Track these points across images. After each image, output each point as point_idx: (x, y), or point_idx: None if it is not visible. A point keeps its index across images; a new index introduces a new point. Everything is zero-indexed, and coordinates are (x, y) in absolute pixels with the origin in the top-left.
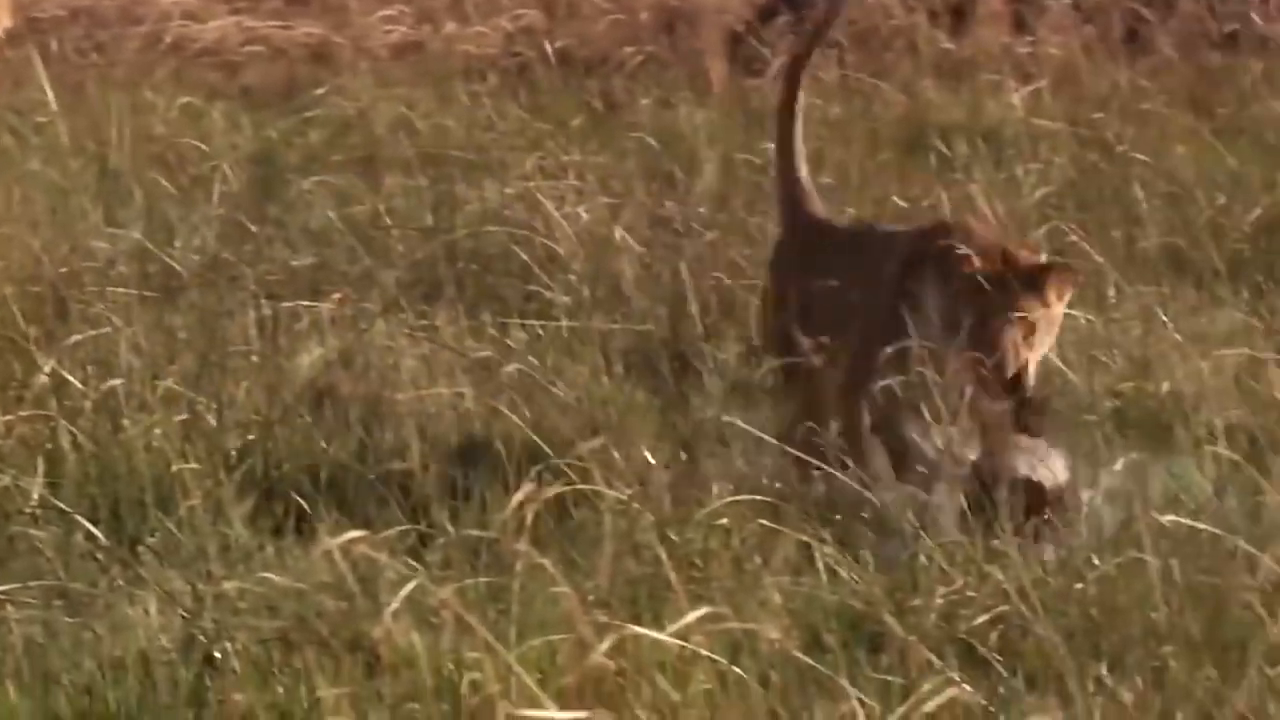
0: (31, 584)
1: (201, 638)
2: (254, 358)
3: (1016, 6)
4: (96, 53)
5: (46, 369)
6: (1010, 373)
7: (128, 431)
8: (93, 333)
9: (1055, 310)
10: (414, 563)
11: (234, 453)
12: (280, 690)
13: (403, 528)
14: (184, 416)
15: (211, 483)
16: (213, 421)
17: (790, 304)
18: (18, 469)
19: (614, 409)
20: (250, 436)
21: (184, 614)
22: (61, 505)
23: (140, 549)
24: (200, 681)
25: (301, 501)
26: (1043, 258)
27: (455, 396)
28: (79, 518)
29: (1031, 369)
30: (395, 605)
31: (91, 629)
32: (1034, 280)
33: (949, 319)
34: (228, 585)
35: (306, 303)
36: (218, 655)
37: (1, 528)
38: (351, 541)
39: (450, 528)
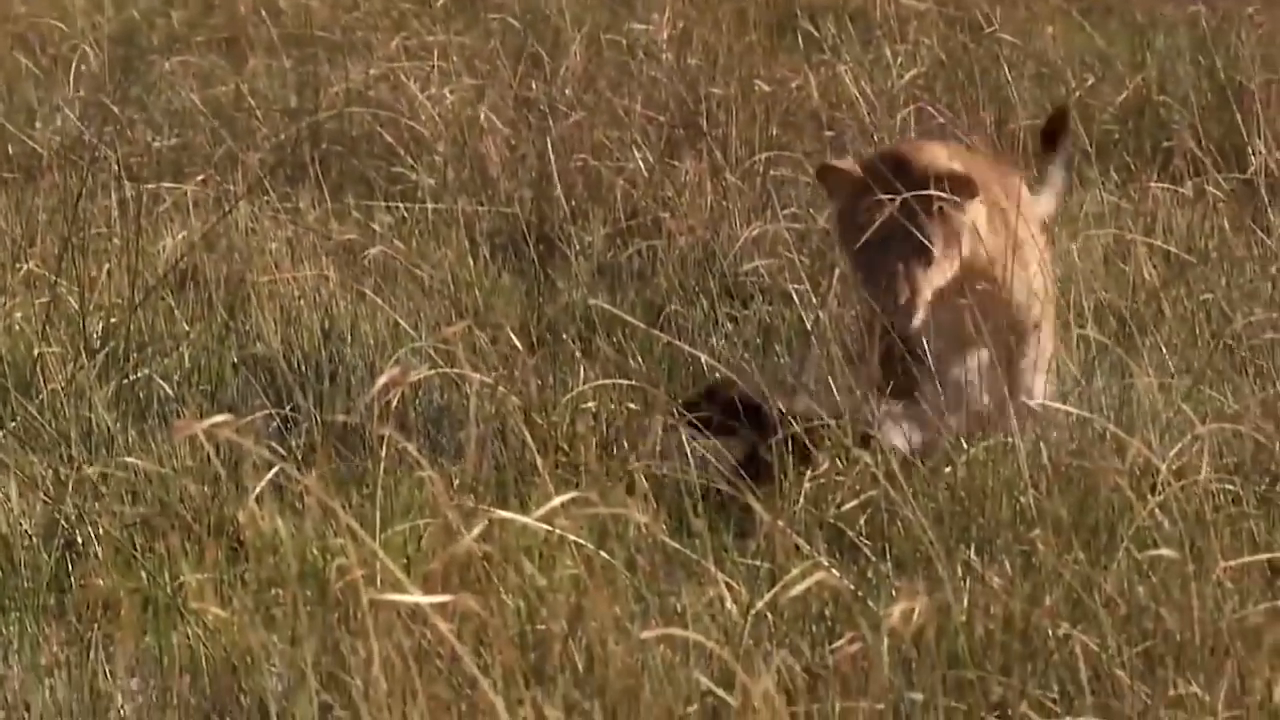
0: None
1: (64, 523)
2: (116, 240)
3: None
4: None
5: None
6: (900, 300)
7: None
8: None
9: (953, 223)
10: (278, 447)
11: (96, 336)
12: (143, 575)
13: (267, 412)
14: (45, 300)
15: (73, 367)
16: (74, 304)
17: None
18: None
19: (479, 292)
20: (113, 320)
21: (45, 499)
22: None
23: (1, 433)
24: (62, 567)
25: (165, 385)
26: (951, 164)
27: (320, 279)
28: None
29: (925, 297)
30: (258, 490)
31: None
32: (929, 189)
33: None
34: (90, 470)
35: (169, 184)
36: (80, 540)
37: None
38: (215, 426)
39: (315, 412)
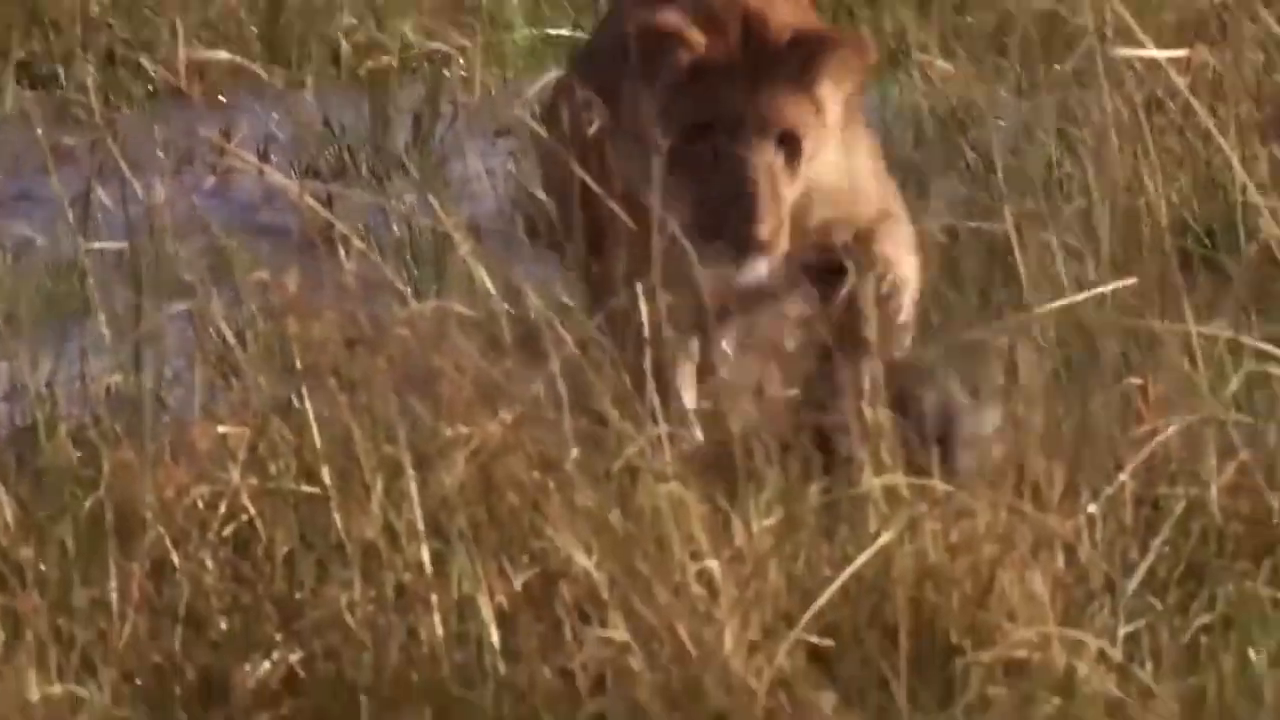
0: None
1: None
2: None
3: None
4: None
5: None
6: (760, 224)
7: None
8: None
9: (829, 111)
10: None
11: None
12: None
13: None
14: None
15: None
16: None
17: None
18: None
19: None
20: None
21: None
22: None
23: None
24: None
25: None
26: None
27: None
28: None
29: (784, 214)
30: None
31: None
32: (796, 63)
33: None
34: None
35: None
36: None
37: None
38: None
39: None
